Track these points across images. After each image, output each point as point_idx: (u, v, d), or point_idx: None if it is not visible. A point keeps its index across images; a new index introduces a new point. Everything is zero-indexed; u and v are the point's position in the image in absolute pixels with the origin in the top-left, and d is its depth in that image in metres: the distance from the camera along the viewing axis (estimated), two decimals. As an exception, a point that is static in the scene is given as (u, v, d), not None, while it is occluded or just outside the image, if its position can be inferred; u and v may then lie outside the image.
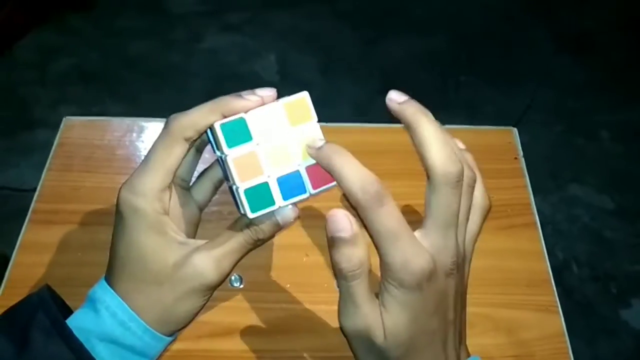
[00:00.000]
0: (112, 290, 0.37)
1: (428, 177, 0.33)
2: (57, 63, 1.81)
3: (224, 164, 0.37)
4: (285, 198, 0.36)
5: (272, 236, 0.39)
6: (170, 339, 0.40)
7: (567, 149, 1.71)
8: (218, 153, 0.38)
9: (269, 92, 0.37)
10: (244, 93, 0.37)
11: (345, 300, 0.33)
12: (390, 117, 0.36)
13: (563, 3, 2.09)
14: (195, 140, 0.38)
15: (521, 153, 0.57)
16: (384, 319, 0.32)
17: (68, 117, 0.57)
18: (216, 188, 0.44)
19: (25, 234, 0.49)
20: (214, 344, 0.44)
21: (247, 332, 0.45)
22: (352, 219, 0.32)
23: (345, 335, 0.34)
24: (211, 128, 0.36)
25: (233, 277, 0.48)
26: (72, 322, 0.37)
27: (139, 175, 0.37)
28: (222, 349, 0.44)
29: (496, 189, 0.54)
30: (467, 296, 0.48)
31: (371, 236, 0.32)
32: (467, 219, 0.35)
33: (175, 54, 1.87)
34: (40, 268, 0.47)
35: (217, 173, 0.43)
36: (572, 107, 1.81)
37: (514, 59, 1.93)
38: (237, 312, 0.46)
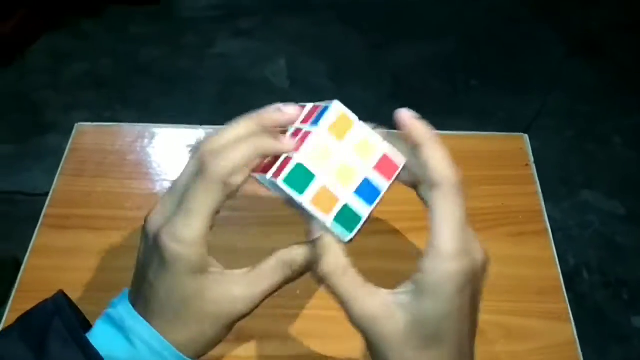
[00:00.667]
0: (144, 322, 0.36)
1: (435, 185, 0.34)
2: (70, 68, 1.83)
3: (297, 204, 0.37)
4: (370, 204, 0.36)
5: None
6: None
7: (579, 155, 1.70)
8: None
9: (295, 112, 0.38)
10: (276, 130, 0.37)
11: (342, 296, 0.34)
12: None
13: (572, 5, 2.08)
14: (238, 188, 0.36)
15: (532, 159, 0.57)
16: (425, 312, 0.33)
17: (80, 123, 0.58)
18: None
19: (37, 238, 0.50)
20: (225, 349, 0.45)
21: (258, 337, 0.45)
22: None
23: (360, 330, 0.34)
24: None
25: (243, 283, 0.48)
26: (95, 340, 0.36)
27: (181, 222, 0.35)
28: (233, 354, 0.44)
29: (507, 195, 0.54)
30: (477, 303, 0.47)
31: (435, 218, 0.33)
32: None
33: (186, 59, 1.88)
34: (52, 272, 0.48)
35: None
36: (584, 112, 1.79)
37: (524, 63, 1.92)
38: (247, 317, 0.46)
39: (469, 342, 0.34)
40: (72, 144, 0.56)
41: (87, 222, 0.51)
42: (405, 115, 0.36)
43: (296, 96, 1.79)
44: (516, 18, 2.04)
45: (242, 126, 0.37)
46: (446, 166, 0.34)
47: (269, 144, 0.36)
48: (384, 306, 0.33)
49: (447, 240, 0.33)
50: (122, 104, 1.73)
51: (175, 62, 1.87)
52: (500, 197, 0.54)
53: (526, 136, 0.59)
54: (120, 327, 0.37)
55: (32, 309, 0.38)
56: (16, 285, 0.47)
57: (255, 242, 0.50)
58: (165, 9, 2.01)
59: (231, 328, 0.38)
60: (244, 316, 0.38)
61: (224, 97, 1.77)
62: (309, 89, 1.81)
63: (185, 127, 0.59)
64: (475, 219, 0.53)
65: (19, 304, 0.46)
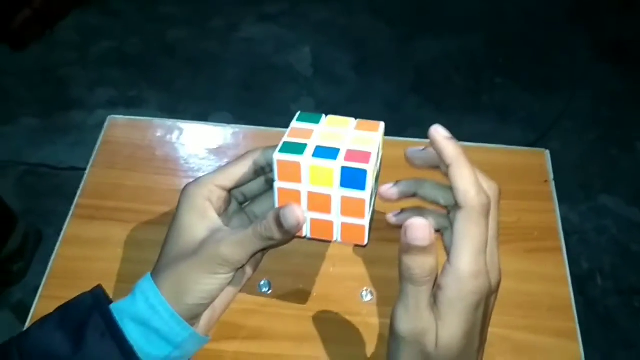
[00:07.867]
0: (150, 279, 0.40)
1: (460, 207, 0.35)
2: (97, 45, 1.85)
3: None
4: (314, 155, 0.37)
5: (283, 242, 0.40)
6: (195, 332, 0.41)
7: (599, 159, 1.69)
8: None
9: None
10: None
11: (407, 303, 0.35)
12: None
13: (605, 10, 2.05)
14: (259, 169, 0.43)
15: (552, 176, 0.57)
16: (439, 328, 0.35)
17: (113, 116, 0.59)
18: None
19: (69, 227, 0.52)
20: (240, 346, 0.46)
21: (274, 337, 0.47)
22: (432, 229, 0.34)
23: (396, 338, 0.36)
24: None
25: (262, 282, 0.49)
26: (113, 305, 0.40)
27: (205, 174, 0.43)
28: (248, 352, 0.46)
29: (524, 211, 0.55)
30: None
31: (456, 239, 0.35)
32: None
33: (211, 41, 1.89)
34: (81, 262, 0.50)
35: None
36: (608, 117, 1.78)
37: (551, 64, 1.90)
38: (265, 316, 0.48)
39: (476, 356, 0.36)
40: (104, 136, 0.58)
41: (115, 215, 0.53)
42: (438, 134, 0.37)
43: (318, 85, 1.80)
44: (550, 20, 2.01)
45: None
46: (471, 188, 0.35)
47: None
48: (432, 324, 0.35)
49: (466, 262, 0.34)
50: (148, 83, 1.75)
51: (201, 44, 1.89)
52: (516, 212, 0.55)
53: (547, 152, 0.59)
54: (134, 289, 0.41)
55: (71, 301, 0.40)
56: (47, 272, 0.49)
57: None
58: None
59: (210, 279, 0.39)
60: (224, 267, 0.39)
61: (247, 82, 1.78)
62: (331, 79, 1.82)
63: (213, 125, 0.61)
64: (491, 233, 0.54)
65: (49, 291, 0.48)
